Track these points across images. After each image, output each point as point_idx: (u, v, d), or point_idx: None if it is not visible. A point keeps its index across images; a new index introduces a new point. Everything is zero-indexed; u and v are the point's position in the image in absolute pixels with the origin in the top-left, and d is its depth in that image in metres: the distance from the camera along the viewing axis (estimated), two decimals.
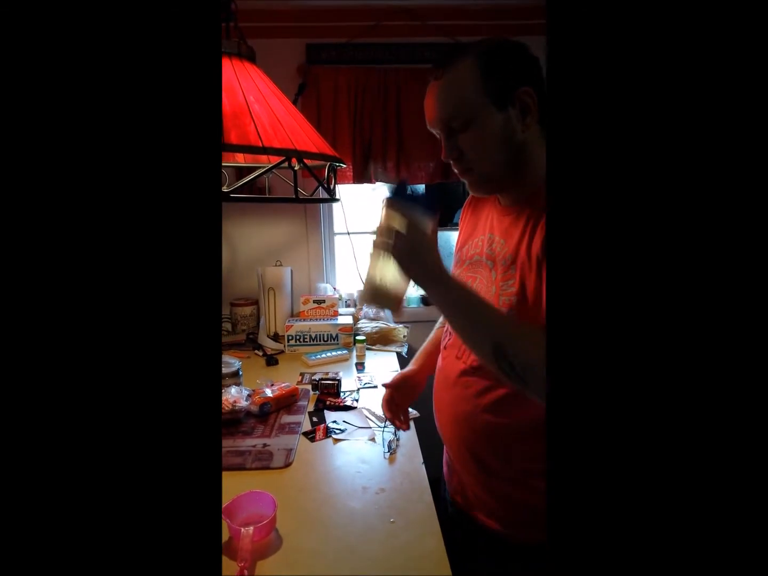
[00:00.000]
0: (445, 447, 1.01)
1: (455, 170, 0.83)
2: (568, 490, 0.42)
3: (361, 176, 2.12)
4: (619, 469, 0.41)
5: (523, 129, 0.77)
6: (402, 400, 1.12)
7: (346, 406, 1.43)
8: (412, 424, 1.33)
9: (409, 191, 0.75)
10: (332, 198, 1.02)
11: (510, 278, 0.79)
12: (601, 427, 0.41)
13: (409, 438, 1.26)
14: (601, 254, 0.41)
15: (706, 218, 0.38)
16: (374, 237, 0.74)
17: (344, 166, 1.06)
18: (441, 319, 1.17)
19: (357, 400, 1.48)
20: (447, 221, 2.41)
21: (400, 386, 1.12)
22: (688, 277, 0.39)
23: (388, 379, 1.17)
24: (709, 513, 0.39)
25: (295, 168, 0.88)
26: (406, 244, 0.71)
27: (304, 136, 0.91)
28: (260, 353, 1.92)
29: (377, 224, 0.75)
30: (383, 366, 1.81)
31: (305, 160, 0.90)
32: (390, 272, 0.75)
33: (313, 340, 1.94)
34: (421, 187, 0.72)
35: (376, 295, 0.76)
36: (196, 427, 0.41)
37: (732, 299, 0.38)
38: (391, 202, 0.74)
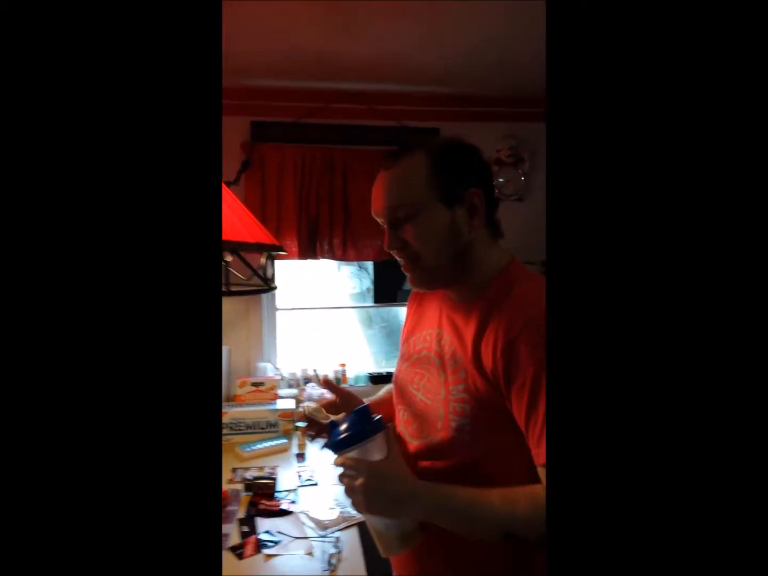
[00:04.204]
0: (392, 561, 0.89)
1: (398, 261, 0.79)
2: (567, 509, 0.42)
3: (307, 252, 2.07)
4: (617, 488, 0.41)
5: (470, 230, 0.75)
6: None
7: (282, 510, 1.28)
8: (356, 531, 1.21)
9: (339, 433, 0.73)
10: (268, 287, 0.95)
11: (460, 382, 0.74)
12: (602, 441, 0.41)
13: (352, 549, 1.13)
14: (601, 270, 0.42)
15: (705, 230, 0.39)
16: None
17: (284, 252, 0.99)
18: (387, 387, 1.06)
19: (295, 502, 1.33)
20: (386, 299, 2.38)
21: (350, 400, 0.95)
22: (691, 291, 0.40)
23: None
24: (710, 534, 0.38)
25: (227, 260, 0.81)
26: (364, 493, 0.69)
27: (240, 225, 0.85)
28: None
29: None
30: (327, 456, 1.67)
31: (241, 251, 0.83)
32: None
33: (250, 428, 1.78)
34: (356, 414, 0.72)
35: (390, 538, 0.73)
36: (195, 435, 0.42)
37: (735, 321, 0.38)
38: (335, 456, 0.73)
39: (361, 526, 1.22)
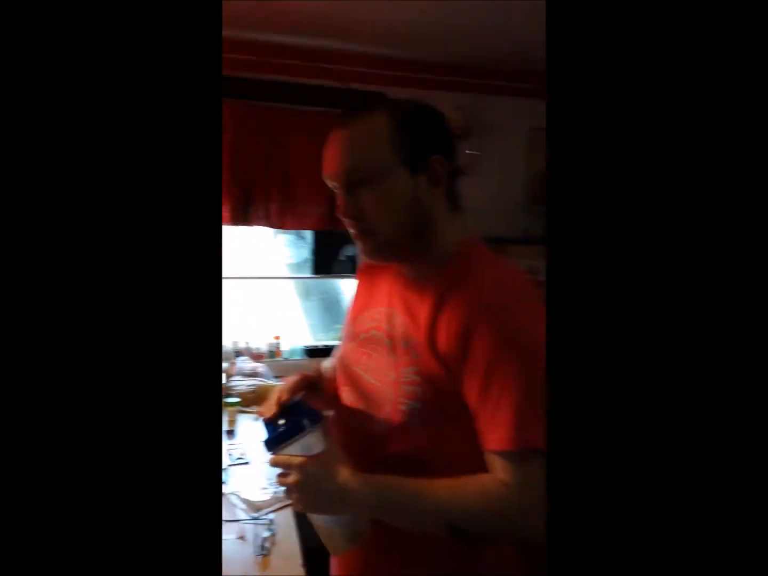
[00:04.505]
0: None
1: (351, 231, 0.72)
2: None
3: (240, 218, 1.94)
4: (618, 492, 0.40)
5: (431, 199, 0.70)
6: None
7: None
8: (290, 512, 1.15)
9: (274, 429, 0.68)
10: None
11: (412, 364, 0.69)
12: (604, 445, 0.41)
13: (286, 532, 1.08)
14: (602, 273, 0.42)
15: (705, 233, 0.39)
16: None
17: None
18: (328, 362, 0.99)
19: (225, 483, 1.26)
20: (326, 269, 2.31)
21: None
22: (694, 289, 0.39)
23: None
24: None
25: None
26: (299, 491, 0.64)
27: None
28: None
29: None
30: (259, 433, 1.59)
31: None
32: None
33: None
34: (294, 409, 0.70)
35: (336, 536, 0.69)
36: (195, 426, 0.42)
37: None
38: (271, 453, 0.67)
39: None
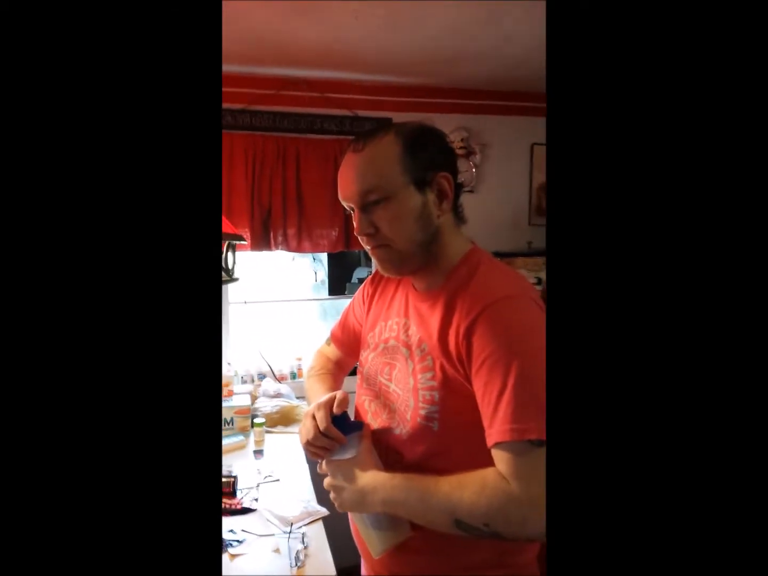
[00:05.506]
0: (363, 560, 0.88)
1: (367, 246, 0.78)
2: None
3: (260, 243, 2.01)
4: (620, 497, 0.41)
5: (439, 214, 0.75)
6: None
7: (244, 508, 1.24)
8: (321, 525, 1.19)
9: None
10: (230, 278, 0.91)
11: (428, 370, 0.74)
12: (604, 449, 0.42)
13: (318, 544, 1.11)
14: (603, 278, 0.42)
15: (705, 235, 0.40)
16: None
17: (245, 242, 0.96)
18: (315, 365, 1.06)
19: (257, 500, 1.30)
20: (340, 290, 2.36)
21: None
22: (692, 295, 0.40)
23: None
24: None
25: None
26: (332, 490, 0.76)
27: None
28: None
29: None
30: (286, 451, 1.64)
31: None
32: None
33: None
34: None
35: (371, 538, 0.77)
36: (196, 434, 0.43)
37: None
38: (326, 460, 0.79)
39: (327, 520, 1.21)
